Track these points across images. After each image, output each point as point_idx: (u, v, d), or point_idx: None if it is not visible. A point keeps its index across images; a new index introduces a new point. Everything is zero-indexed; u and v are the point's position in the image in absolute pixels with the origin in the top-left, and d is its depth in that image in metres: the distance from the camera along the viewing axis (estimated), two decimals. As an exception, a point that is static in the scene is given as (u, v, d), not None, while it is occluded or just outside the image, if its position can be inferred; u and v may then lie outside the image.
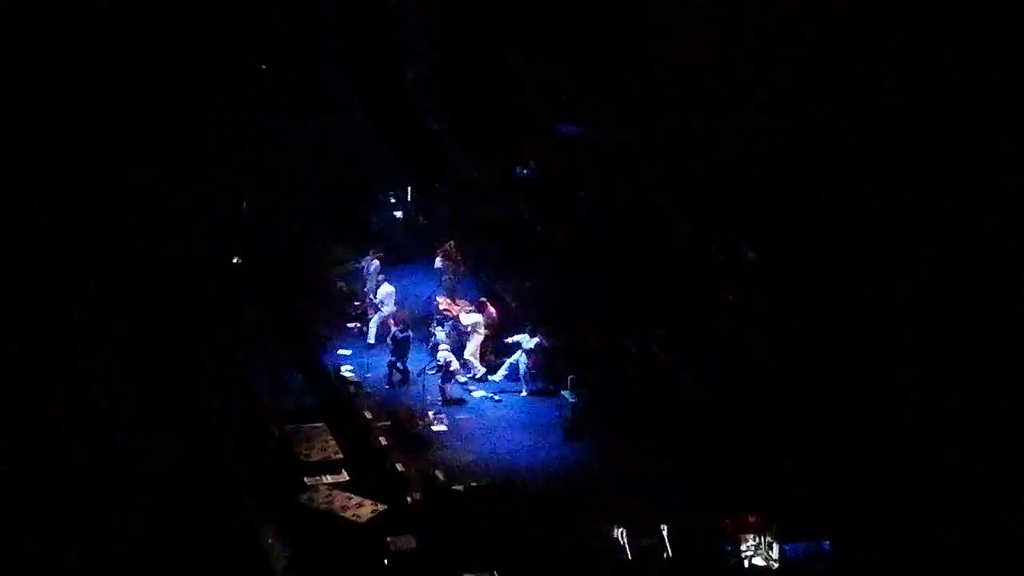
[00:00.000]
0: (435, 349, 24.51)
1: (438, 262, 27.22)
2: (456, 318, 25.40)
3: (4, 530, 15.82)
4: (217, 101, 27.29)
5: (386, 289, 26.13)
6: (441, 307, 26.08)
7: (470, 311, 25.90)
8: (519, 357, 24.55)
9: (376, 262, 27.02)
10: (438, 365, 24.12)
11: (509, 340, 24.93)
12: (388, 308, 25.97)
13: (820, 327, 24.09)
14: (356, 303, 27.13)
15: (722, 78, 25.78)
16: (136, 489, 17.50)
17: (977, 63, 22.07)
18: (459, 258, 27.18)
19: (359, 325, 26.46)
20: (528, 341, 24.52)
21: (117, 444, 18.18)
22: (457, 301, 26.43)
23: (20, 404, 17.83)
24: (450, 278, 27.03)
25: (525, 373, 24.51)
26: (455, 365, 24.42)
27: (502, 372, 24.84)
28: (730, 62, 25.58)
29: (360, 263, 27.58)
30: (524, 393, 24.36)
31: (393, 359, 24.57)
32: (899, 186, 22.92)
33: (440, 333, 24.83)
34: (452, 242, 27.33)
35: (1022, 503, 19.46)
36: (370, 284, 26.77)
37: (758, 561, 20.01)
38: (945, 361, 21.34)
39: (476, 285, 27.66)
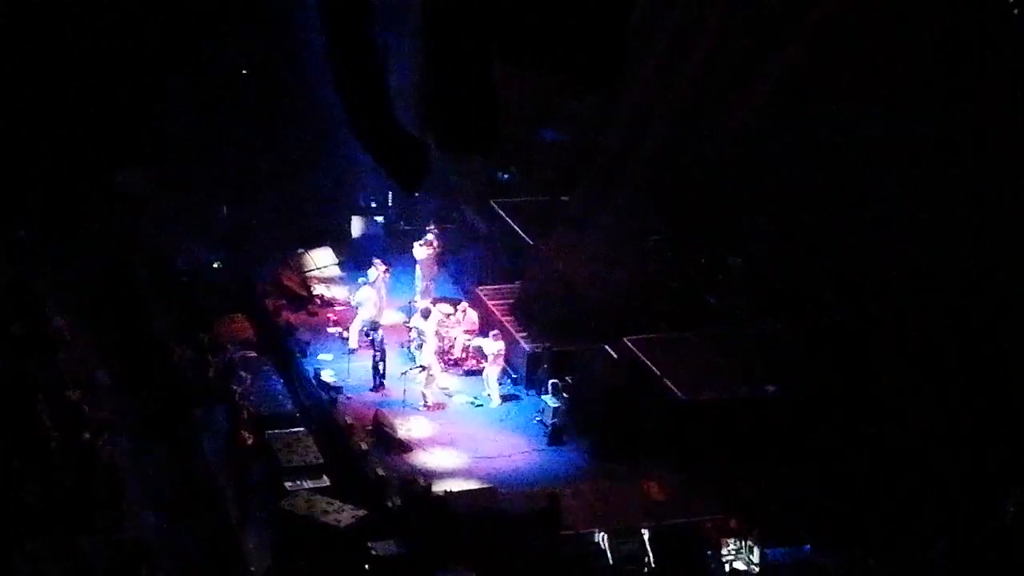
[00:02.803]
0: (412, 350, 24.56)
1: (416, 251, 27.06)
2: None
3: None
4: (197, 106, 27.22)
5: (363, 293, 26.00)
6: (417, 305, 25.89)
7: (450, 314, 25.86)
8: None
9: (387, 272, 26.71)
10: (420, 367, 24.11)
11: (475, 344, 24.89)
12: (366, 312, 25.87)
13: (806, 332, 24.20)
14: (338, 308, 27.02)
15: (706, 84, 25.83)
16: (119, 495, 17.46)
17: (963, 66, 22.20)
18: (438, 251, 27.10)
19: (340, 330, 26.35)
20: (491, 346, 24.40)
21: (100, 450, 18.14)
22: (437, 305, 26.30)
23: (5, 412, 17.78)
24: (428, 273, 26.90)
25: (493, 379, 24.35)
26: (436, 369, 24.38)
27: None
28: (717, 69, 25.63)
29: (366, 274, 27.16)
30: (496, 404, 24.14)
31: (375, 361, 24.47)
32: (887, 190, 23.04)
33: (419, 328, 24.72)
34: (434, 231, 27.25)
35: (1020, 504, 19.56)
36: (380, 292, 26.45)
37: (739, 565, 20.07)
38: (937, 363, 21.43)
39: (457, 288, 27.67)
